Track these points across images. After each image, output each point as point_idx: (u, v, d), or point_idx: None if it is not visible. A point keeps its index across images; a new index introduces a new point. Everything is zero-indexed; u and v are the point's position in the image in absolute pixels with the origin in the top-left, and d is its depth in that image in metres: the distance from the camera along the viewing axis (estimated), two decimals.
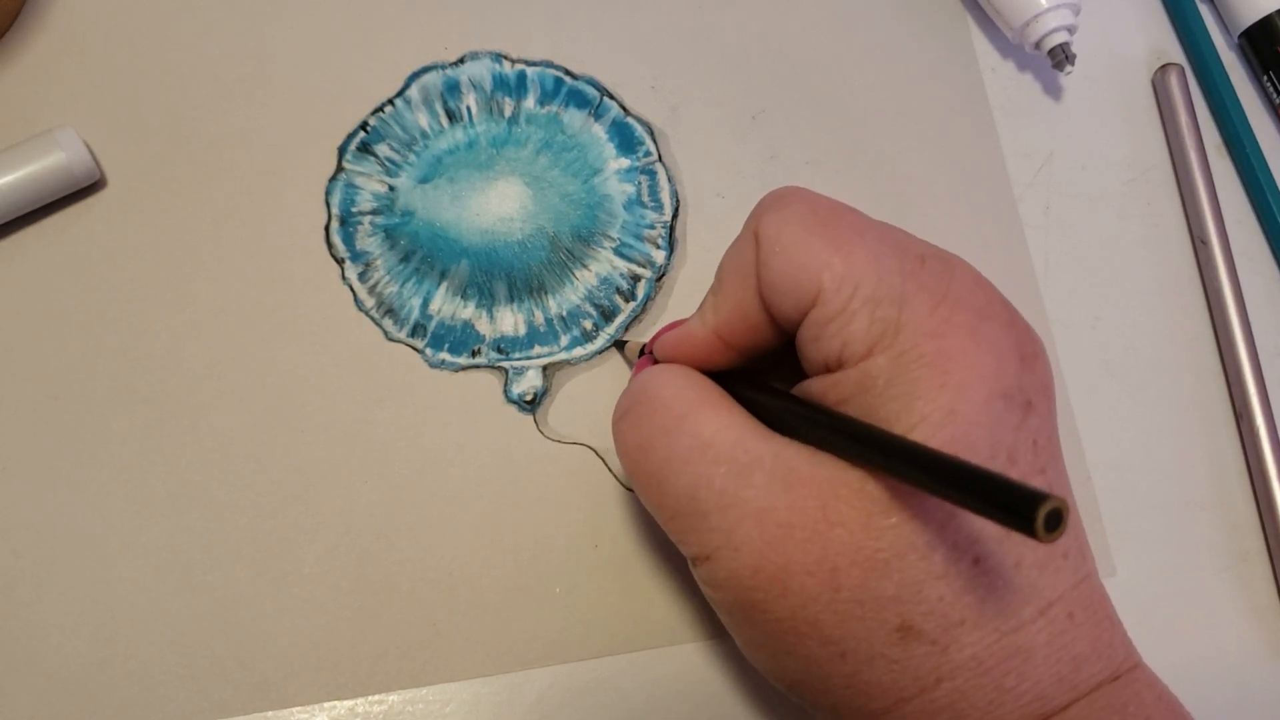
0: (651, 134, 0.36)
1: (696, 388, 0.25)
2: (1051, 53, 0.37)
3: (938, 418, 0.21)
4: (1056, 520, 0.17)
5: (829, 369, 0.23)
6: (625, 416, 0.26)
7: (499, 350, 0.34)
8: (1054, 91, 0.39)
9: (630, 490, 0.33)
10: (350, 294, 0.34)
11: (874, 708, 0.23)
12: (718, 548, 0.23)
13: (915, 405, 0.21)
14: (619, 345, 0.34)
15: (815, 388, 0.24)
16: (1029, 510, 0.17)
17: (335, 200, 0.35)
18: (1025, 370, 0.23)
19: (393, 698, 0.31)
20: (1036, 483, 0.22)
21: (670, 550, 0.32)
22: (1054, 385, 0.24)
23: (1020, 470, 0.22)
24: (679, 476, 0.24)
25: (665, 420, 0.25)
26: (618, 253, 0.35)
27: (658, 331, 0.29)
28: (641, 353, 0.31)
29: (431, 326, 0.34)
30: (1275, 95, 0.39)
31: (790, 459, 0.23)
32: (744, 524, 0.22)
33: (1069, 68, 0.37)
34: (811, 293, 0.23)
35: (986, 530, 0.22)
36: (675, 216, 0.35)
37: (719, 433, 0.24)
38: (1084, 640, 0.23)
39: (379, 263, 0.34)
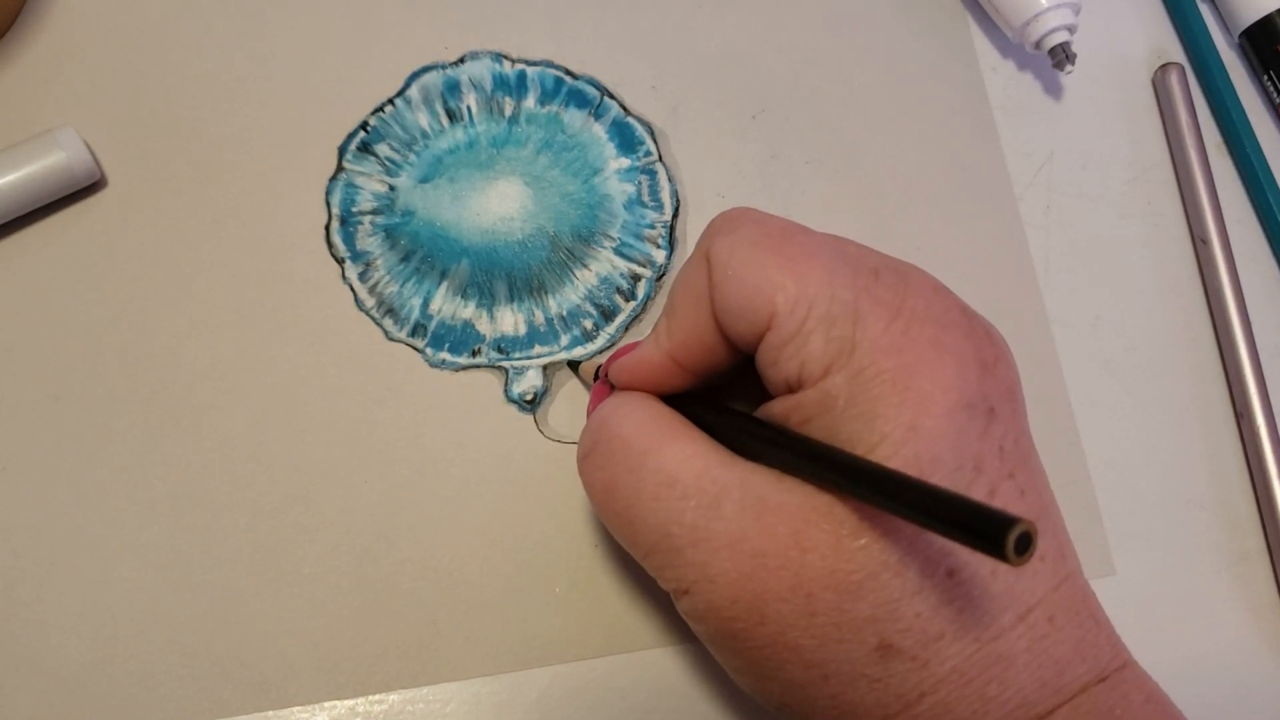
0: (652, 134, 0.36)
1: (657, 420, 0.25)
2: (1052, 52, 0.37)
3: (899, 435, 0.21)
4: (1026, 543, 0.17)
5: (790, 389, 0.23)
6: (589, 458, 0.26)
7: (499, 350, 0.34)
8: (1054, 91, 0.39)
9: None
10: (350, 294, 0.34)
11: None
12: (694, 581, 0.23)
13: (876, 424, 0.21)
14: (572, 366, 0.34)
15: (778, 409, 0.24)
16: (999, 535, 0.17)
17: (335, 200, 0.35)
18: (987, 376, 0.23)
19: (393, 697, 0.31)
20: (1005, 488, 0.22)
21: None
22: (1019, 385, 0.24)
23: (988, 478, 0.22)
24: (649, 514, 0.24)
25: (628, 459, 0.24)
26: (618, 252, 0.35)
27: (612, 354, 0.29)
28: (597, 375, 0.30)
29: (432, 326, 0.34)
30: (1275, 94, 0.39)
31: (758, 486, 0.23)
32: (718, 556, 0.22)
33: (1069, 67, 0.37)
34: (766, 315, 0.23)
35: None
36: (675, 216, 0.35)
37: (683, 465, 0.24)
38: (1066, 643, 0.23)
39: (379, 262, 0.34)
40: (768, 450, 0.23)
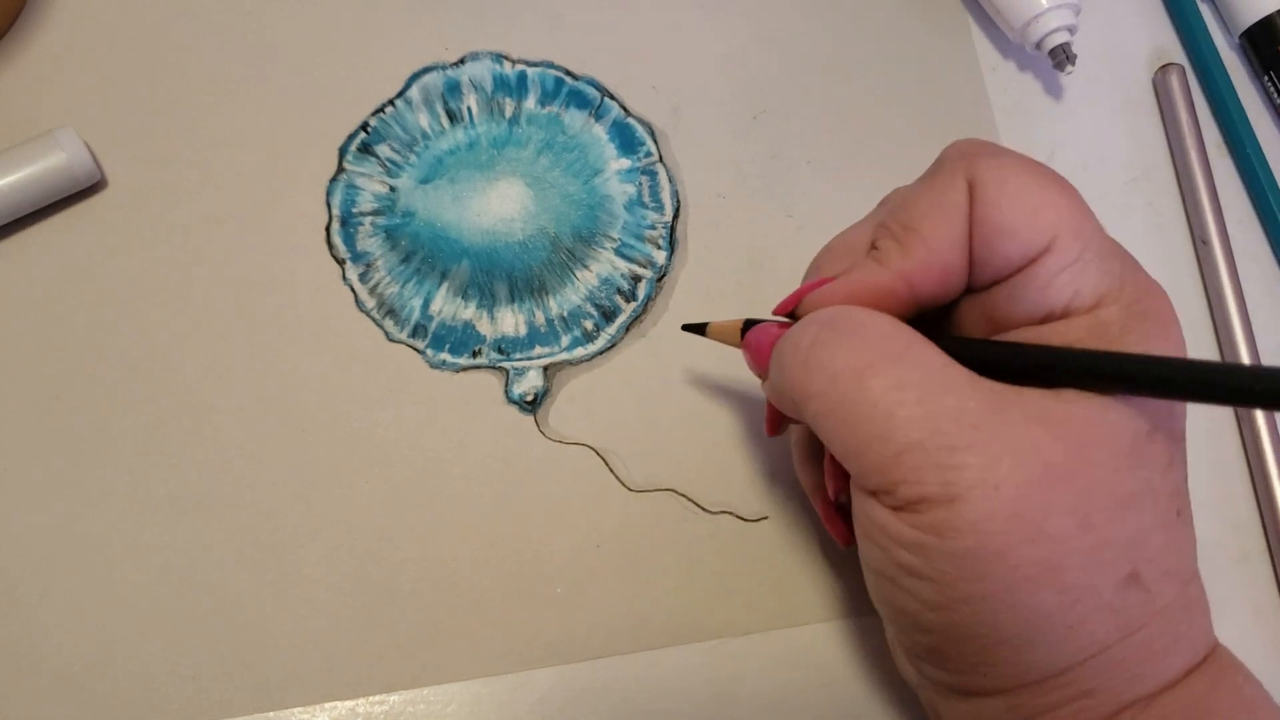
0: (652, 134, 0.36)
1: (904, 325, 0.23)
2: (1052, 53, 0.37)
3: None
4: None
5: (1048, 319, 0.23)
6: (827, 344, 0.23)
7: (500, 351, 0.34)
8: (1055, 91, 0.39)
9: (632, 491, 0.33)
10: (351, 295, 0.34)
11: (1078, 658, 0.22)
12: (970, 486, 0.21)
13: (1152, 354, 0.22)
14: (696, 329, 0.30)
15: (1029, 337, 0.23)
16: None
17: (336, 201, 0.35)
18: None
19: (394, 698, 0.31)
20: None
21: (671, 551, 0.32)
22: None
23: None
24: (915, 407, 0.21)
25: (889, 347, 0.22)
26: (619, 253, 0.35)
27: (789, 299, 0.26)
28: (748, 327, 0.27)
29: (432, 327, 0.34)
30: (1276, 95, 0.39)
31: (1037, 398, 0.22)
32: (1003, 461, 0.21)
33: (1070, 68, 0.37)
34: (1045, 239, 0.23)
35: (1184, 485, 0.23)
36: (676, 217, 0.35)
37: (952, 366, 0.22)
38: (1204, 597, 0.24)
39: (380, 263, 0.34)
40: (1051, 367, 0.22)
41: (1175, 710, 0.23)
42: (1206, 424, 0.36)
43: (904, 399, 0.21)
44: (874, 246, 0.25)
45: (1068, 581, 0.21)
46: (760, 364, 0.26)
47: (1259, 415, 0.35)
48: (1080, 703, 0.23)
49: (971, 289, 0.25)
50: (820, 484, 0.28)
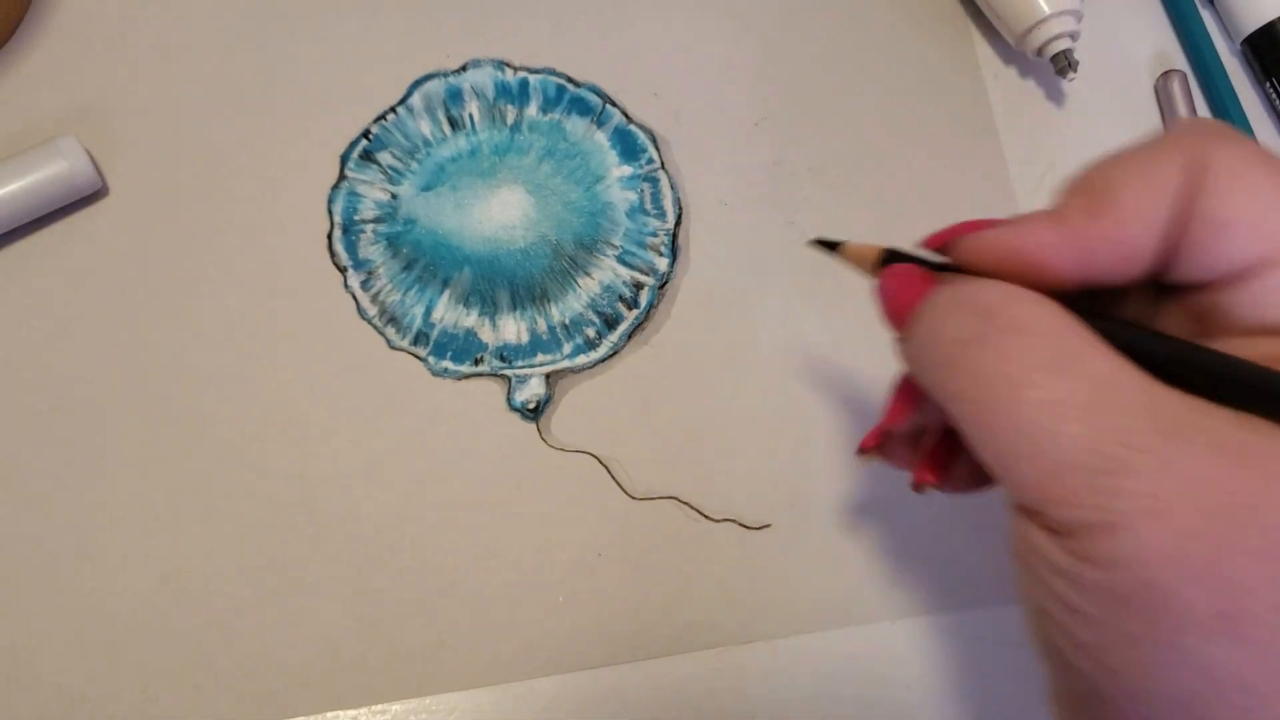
0: (654, 141, 0.36)
1: (1070, 317, 0.20)
2: (1054, 59, 0.37)
3: None
4: None
5: (1263, 333, 0.20)
6: (980, 345, 0.20)
7: (502, 358, 0.34)
8: (1056, 98, 0.39)
9: (634, 498, 0.33)
10: (353, 302, 0.34)
11: None
12: (1131, 514, 0.18)
13: None
14: (829, 245, 0.26)
15: (1233, 347, 0.20)
16: None
17: (337, 208, 0.35)
18: None
19: (396, 707, 0.31)
20: None
21: (674, 559, 0.32)
22: None
23: None
24: (1078, 423, 0.19)
25: (1051, 354, 0.20)
26: (621, 260, 0.35)
27: (948, 231, 0.23)
28: (888, 261, 0.24)
29: (434, 335, 0.34)
30: (1277, 101, 0.39)
31: (1224, 421, 0.19)
32: (1173, 489, 0.18)
33: (1071, 74, 0.37)
34: (1270, 249, 0.20)
35: None
36: (678, 224, 0.35)
37: (1122, 378, 0.19)
38: None
39: (381, 271, 0.34)
40: (1239, 388, 0.19)
41: None
42: None
43: (1066, 416, 0.19)
44: (1058, 202, 0.22)
45: (1252, 636, 0.18)
46: (896, 321, 0.23)
47: None
48: None
49: (1165, 283, 0.22)
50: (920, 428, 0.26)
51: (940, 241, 0.23)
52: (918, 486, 0.25)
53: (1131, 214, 0.21)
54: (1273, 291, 0.20)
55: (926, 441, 0.26)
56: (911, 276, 0.23)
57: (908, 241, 0.24)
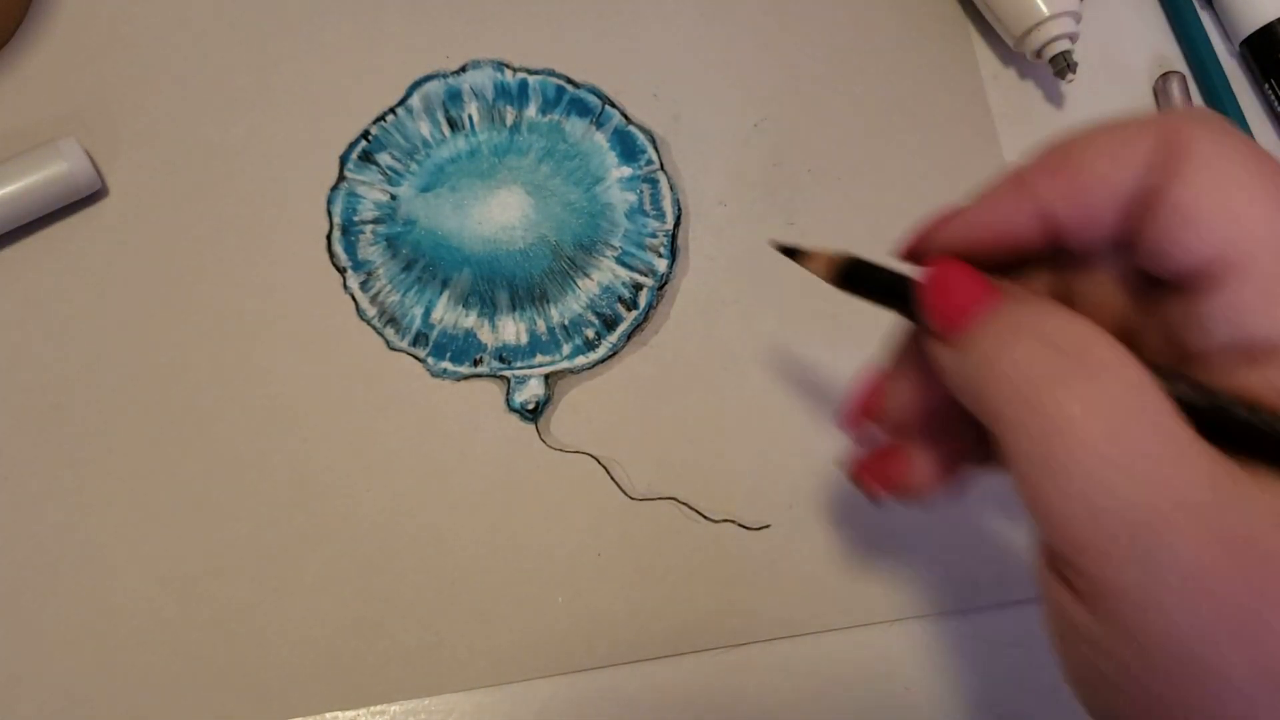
0: (653, 142, 0.36)
1: (1145, 369, 0.19)
2: (1053, 61, 0.37)
3: None
4: None
5: (1249, 355, 0.19)
6: (1060, 381, 0.19)
7: (501, 359, 0.34)
8: (1055, 99, 0.39)
9: (634, 499, 0.33)
10: (352, 303, 0.34)
11: None
12: (1172, 572, 0.18)
13: None
14: (789, 252, 0.25)
15: (1226, 378, 0.19)
16: None
17: (337, 209, 0.35)
18: None
19: (394, 708, 0.31)
20: None
21: (673, 559, 0.32)
22: None
23: None
24: (1138, 478, 0.18)
25: (1133, 401, 0.18)
26: (620, 261, 0.35)
27: (917, 236, 0.23)
28: (847, 278, 0.23)
29: (434, 335, 0.34)
30: (1276, 103, 0.39)
31: (1235, 501, 0.18)
32: (1216, 548, 0.18)
33: (1070, 76, 0.37)
34: (1241, 248, 0.19)
35: None
36: (677, 225, 0.35)
37: (1180, 427, 0.18)
38: None
39: (381, 272, 0.34)
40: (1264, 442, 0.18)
41: None
42: None
43: (1132, 468, 0.18)
44: (1024, 163, 0.21)
45: None
46: (947, 327, 0.21)
47: None
48: None
49: (1138, 291, 0.21)
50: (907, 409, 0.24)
51: (913, 247, 0.23)
52: (872, 495, 0.25)
53: (1090, 175, 0.20)
54: (1233, 301, 0.19)
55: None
56: (972, 282, 0.21)
57: None
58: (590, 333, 0.34)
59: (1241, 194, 0.19)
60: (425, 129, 0.36)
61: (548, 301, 0.34)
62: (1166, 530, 0.18)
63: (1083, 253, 0.21)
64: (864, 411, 0.25)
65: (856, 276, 0.23)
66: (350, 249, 0.34)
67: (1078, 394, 0.19)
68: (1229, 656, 0.17)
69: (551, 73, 0.37)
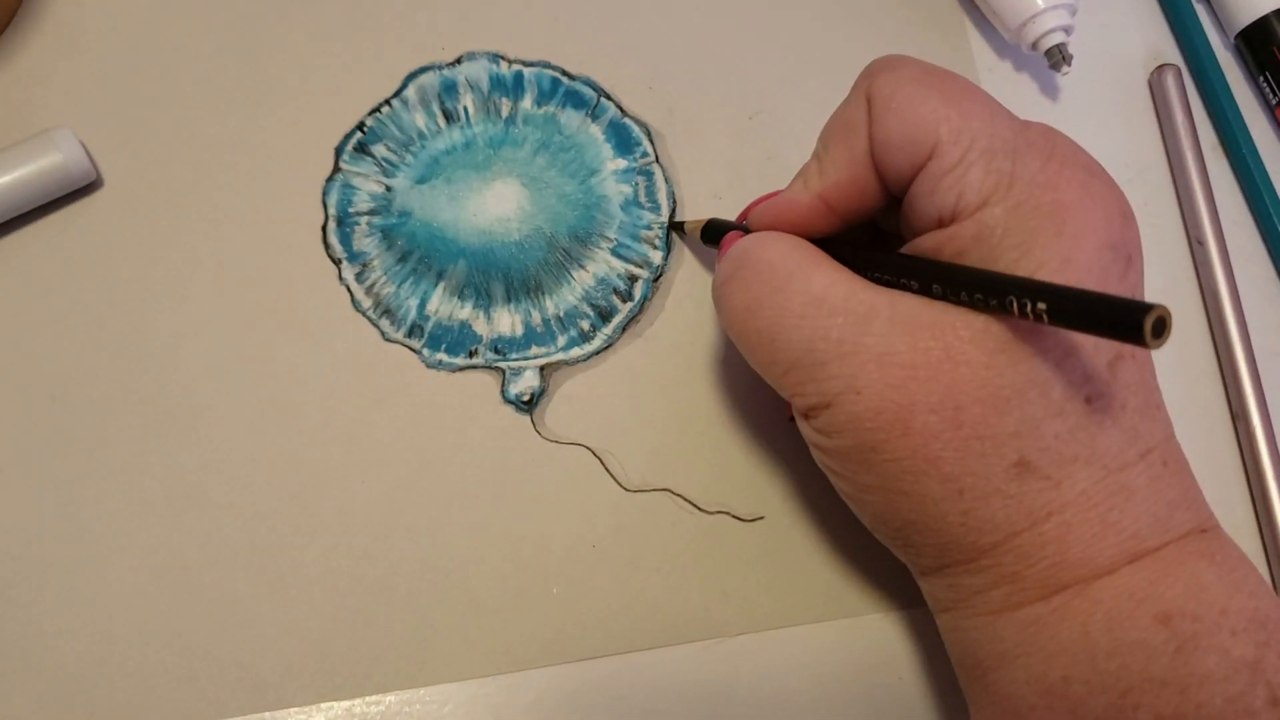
0: (649, 134, 0.36)
1: (801, 249, 0.26)
2: (1048, 53, 0.37)
3: (1054, 265, 0.22)
4: (1161, 327, 0.19)
5: (941, 223, 0.24)
6: (730, 281, 0.26)
7: (496, 351, 0.34)
8: (1051, 92, 0.39)
9: (628, 491, 0.33)
10: (347, 294, 0.34)
11: (985, 543, 0.24)
12: (839, 393, 0.24)
13: (1033, 254, 0.22)
14: (676, 227, 0.35)
15: (928, 244, 0.24)
16: (1138, 319, 0.19)
17: (332, 200, 0.35)
18: (1126, 226, 0.24)
19: (390, 698, 0.31)
20: None
21: (667, 551, 0.32)
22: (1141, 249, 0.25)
23: None
24: (793, 331, 0.24)
25: (774, 280, 0.25)
26: (615, 253, 0.35)
27: (748, 206, 0.31)
28: (708, 235, 0.32)
29: (429, 327, 0.34)
30: (1272, 95, 0.39)
31: (909, 306, 0.23)
32: (865, 368, 0.23)
33: (1066, 68, 0.37)
34: (928, 146, 0.24)
35: (1098, 372, 0.23)
36: (672, 217, 0.35)
37: (830, 287, 0.24)
38: (1176, 488, 0.24)
39: (376, 263, 0.34)
40: (921, 278, 0.24)
41: (1110, 596, 0.23)
42: (1202, 424, 0.36)
43: (785, 325, 0.25)
44: (806, 166, 0.28)
45: (946, 471, 0.23)
46: (720, 254, 0.29)
47: (1255, 417, 0.35)
48: (1007, 587, 0.24)
49: (899, 199, 0.26)
50: None
51: (744, 215, 0.30)
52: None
53: (841, 161, 0.26)
54: (929, 185, 0.24)
55: None
56: (735, 234, 0.30)
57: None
58: (585, 324, 0.34)
59: (916, 109, 0.24)
60: (420, 120, 0.36)
61: (543, 293, 0.34)
62: (825, 361, 0.24)
63: (872, 217, 0.27)
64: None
65: (710, 231, 0.32)
66: (345, 240, 0.34)
67: (742, 285, 0.26)
68: (894, 445, 0.23)
69: (547, 65, 0.37)
